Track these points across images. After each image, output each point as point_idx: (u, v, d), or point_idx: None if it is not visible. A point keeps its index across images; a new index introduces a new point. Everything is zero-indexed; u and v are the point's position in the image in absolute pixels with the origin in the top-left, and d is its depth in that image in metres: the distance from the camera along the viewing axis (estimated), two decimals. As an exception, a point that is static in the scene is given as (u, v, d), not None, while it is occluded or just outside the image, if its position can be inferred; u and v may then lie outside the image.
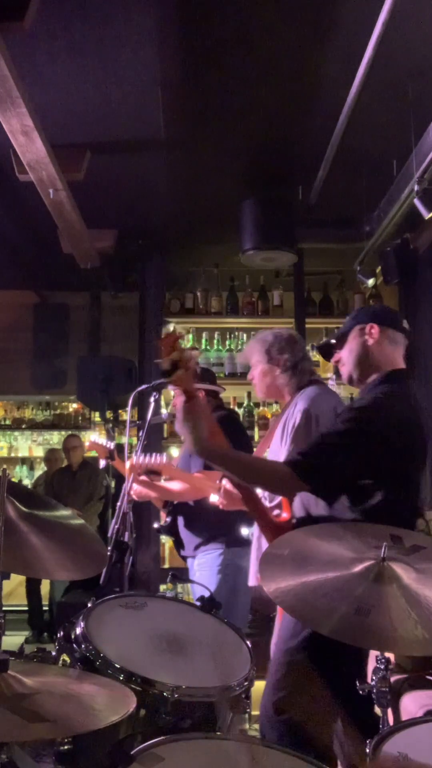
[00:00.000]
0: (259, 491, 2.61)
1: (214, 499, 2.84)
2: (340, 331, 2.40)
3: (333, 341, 2.41)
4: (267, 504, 2.61)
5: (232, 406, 5.17)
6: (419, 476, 2.22)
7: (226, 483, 2.76)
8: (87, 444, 3.94)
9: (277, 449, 2.76)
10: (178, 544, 3.52)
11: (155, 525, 3.65)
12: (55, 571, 1.83)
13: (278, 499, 2.57)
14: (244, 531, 3.21)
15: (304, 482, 2.05)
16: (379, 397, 2.18)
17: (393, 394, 2.20)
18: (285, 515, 2.42)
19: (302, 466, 2.06)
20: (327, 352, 2.46)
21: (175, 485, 3.41)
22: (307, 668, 2.02)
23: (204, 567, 3.35)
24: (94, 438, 3.58)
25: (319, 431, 2.28)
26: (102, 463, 3.49)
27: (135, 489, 3.19)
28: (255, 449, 3.29)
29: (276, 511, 2.53)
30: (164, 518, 3.60)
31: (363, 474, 2.09)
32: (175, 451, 5.07)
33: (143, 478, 3.17)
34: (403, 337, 2.38)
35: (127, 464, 3.11)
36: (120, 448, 3.51)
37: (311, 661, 2.02)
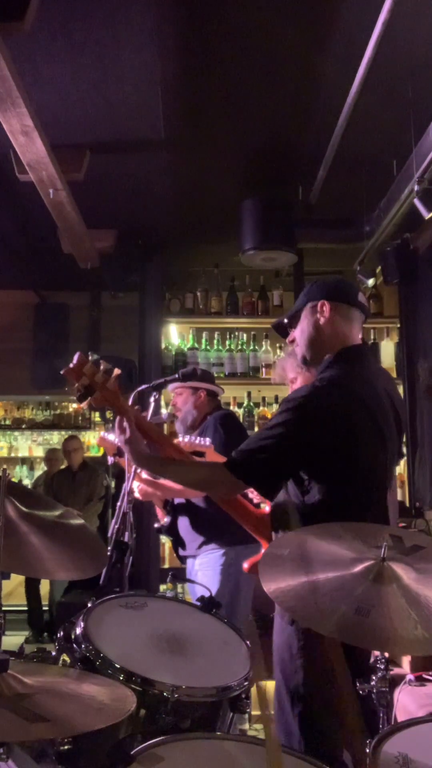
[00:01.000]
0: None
1: None
2: (293, 309, 2.27)
3: (285, 320, 2.29)
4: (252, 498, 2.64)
5: (232, 406, 5.18)
6: (375, 463, 2.07)
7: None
8: (96, 440, 3.92)
9: None
10: (178, 544, 3.52)
11: (155, 525, 3.65)
12: (55, 571, 1.83)
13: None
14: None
15: (239, 480, 2.01)
16: (316, 385, 2.06)
17: (334, 379, 2.06)
18: (267, 509, 2.44)
19: (236, 465, 2.02)
20: (282, 331, 2.33)
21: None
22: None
23: (206, 567, 3.35)
24: (104, 434, 3.58)
25: None
26: (110, 459, 3.49)
27: (139, 488, 3.19)
28: None
29: (261, 505, 2.56)
30: (163, 518, 3.59)
31: (299, 465, 2.02)
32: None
33: (146, 476, 3.17)
34: (359, 313, 2.21)
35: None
36: (120, 451, 3.50)
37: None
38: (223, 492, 2.23)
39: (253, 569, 2.47)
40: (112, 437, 3.51)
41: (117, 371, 2.31)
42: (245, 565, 2.62)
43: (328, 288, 2.22)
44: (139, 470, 3.07)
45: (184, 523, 3.47)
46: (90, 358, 2.27)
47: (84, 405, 2.28)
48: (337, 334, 2.16)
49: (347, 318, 2.18)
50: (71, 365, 2.24)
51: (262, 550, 2.36)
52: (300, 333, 2.22)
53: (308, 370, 2.84)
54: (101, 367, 2.27)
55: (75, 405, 7.82)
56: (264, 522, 2.35)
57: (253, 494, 2.68)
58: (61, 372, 2.26)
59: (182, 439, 3.20)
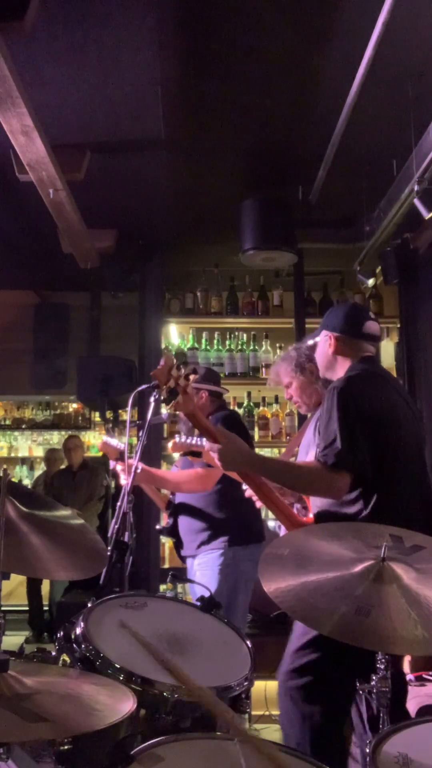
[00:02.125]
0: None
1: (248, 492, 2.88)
2: (317, 331, 2.60)
3: (309, 342, 2.67)
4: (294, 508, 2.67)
5: (232, 407, 5.18)
6: (415, 438, 2.38)
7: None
8: (99, 444, 3.93)
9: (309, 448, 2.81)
10: (179, 545, 3.53)
11: (157, 527, 3.66)
12: (55, 571, 1.83)
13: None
14: (271, 524, 3.28)
15: (342, 471, 2.16)
16: (349, 375, 2.36)
17: (363, 369, 2.39)
18: (311, 515, 2.46)
19: (337, 459, 2.16)
20: (313, 347, 2.67)
21: (171, 474, 3.42)
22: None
23: (205, 567, 3.36)
24: (107, 438, 3.57)
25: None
26: (112, 464, 3.49)
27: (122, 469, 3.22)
28: (284, 450, 3.33)
29: (302, 512, 2.58)
30: (166, 519, 3.60)
31: (369, 439, 2.22)
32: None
33: (143, 466, 3.18)
34: (365, 343, 2.52)
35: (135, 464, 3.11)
36: (122, 455, 3.51)
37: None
38: (330, 491, 2.25)
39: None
40: (115, 442, 3.52)
41: (193, 376, 2.30)
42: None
43: (337, 320, 2.53)
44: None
45: (184, 524, 3.48)
46: (175, 360, 2.28)
47: (169, 408, 2.28)
48: (346, 360, 2.48)
49: (354, 348, 2.50)
50: (160, 366, 2.24)
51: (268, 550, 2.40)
52: (317, 356, 2.58)
53: (302, 374, 2.97)
54: (182, 371, 2.27)
55: (75, 405, 7.82)
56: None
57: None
58: (151, 374, 2.25)
59: (178, 440, 3.21)
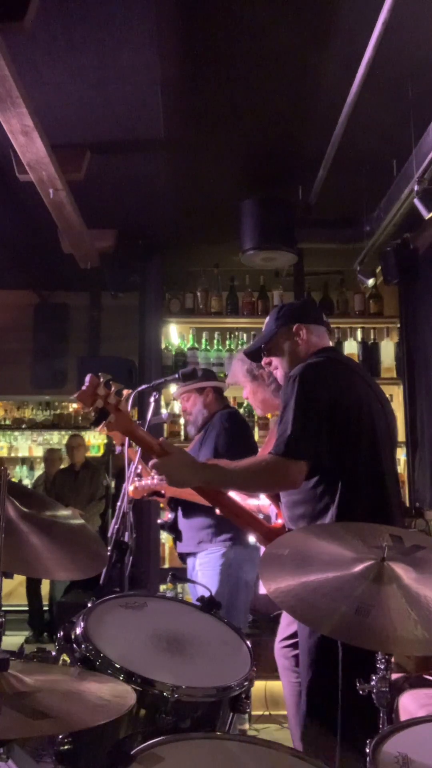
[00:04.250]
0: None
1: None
2: (265, 334, 2.50)
3: (262, 346, 2.51)
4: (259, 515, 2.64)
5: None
6: (379, 424, 2.28)
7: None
8: (89, 441, 3.93)
9: None
10: (178, 540, 3.53)
11: (159, 521, 3.67)
12: (55, 571, 1.83)
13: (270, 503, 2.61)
14: (251, 539, 3.26)
15: (297, 459, 2.10)
16: (308, 363, 2.30)
17: (322, 356, 2.35)
18: (279, 521, 2.44)
19: (287, 446, 2.10)
20: (256, 356, 2.57)
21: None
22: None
23: (206, 567, 3.36)
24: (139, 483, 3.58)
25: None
26: (118, 449, 3.49)
27: (135, 488, 3.20)
28: (259, 451, 3.32)
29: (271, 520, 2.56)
30: (167, 515, 3.61)
31: (327, 425, 2.16)
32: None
33: (146, 482, 3.19)
34: (325, 329, 2.51)
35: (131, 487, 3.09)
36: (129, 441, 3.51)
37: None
38: (285, 480, 2.17)
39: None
40: (144, 482, 3.52)
41: (127, 391, 2.24)
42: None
43: (298, 312, 2.50)
44: (140, 469, 3.07)
45: (186, 520, 3.48)
46: (101, 379, 2.19)
47: (99, 429, 2.20)
48: (310, 348, 2.43)
49: (318, 334, 2.47)
50: (84, 387, 2.17)
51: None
52: (280, 357, 2.47)
53: (253, 380, 2.96)
54: (112, 389, 2.20)
55: (75, 405, 7.83)
56: (276, 535, 2.35)
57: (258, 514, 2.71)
58: (74, 397, 2.19)
59: (138, 484, 3.15)
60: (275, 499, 2.57)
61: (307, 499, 2.22)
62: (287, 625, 2.43)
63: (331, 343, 2.48)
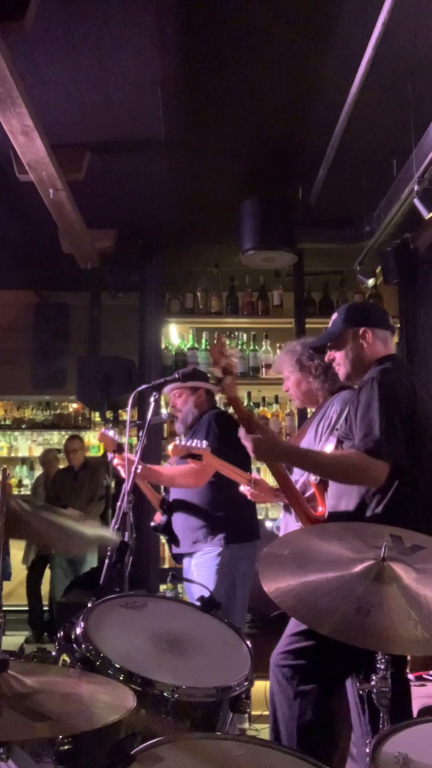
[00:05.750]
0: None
1: (244, 489, 2.89)
2: (333, 331, 2.56)
3: (328, 344, 2.58)
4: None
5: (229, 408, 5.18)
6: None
7: (256, 474, 2.97)
8: (97, 436, 3.95)
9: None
10: (172, 542, 3.52)
11: (152, 524, 3.66)
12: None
13: (311, 491, 2.62)
14: (268, 524, 3.28)
15: (381, 459, 2.17)
16: (382, 367, 2.37)
17: (392, 364, 2.42)
18: (321, 509, 2.47)
19: (376, 446, 2.17)
20: (321, 350, 2.64)
21: (167, 469, 3.42)
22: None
23: (202, 567, 3.36)
24: (105, 430, 3.58)
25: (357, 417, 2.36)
26: (110, 455, 3.50)
27: (118, 463, 3.24)
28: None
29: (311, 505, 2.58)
30: (159, 517, 3.60)
31: (407, 425, 2.24)
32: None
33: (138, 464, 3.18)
34: (390, 333, 2.57)
35: (132, 464, 3.11)
36: (120, 447, 3.52)
37: None
38: (368, 479, 2.24)
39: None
40: (112, 433, 3.53)
41: (237, 360, 2.46)
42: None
43: (367, 316, 2.55)
44: (140, 469, 3.07)
45: (179, 521, 3.48)
46: (226, 342, 2.39)
47: (218, 388, 2.43)
48: (375, 354, 2.49)
49: (383, 339, 2.52)
50: (215, 346, 2.36)
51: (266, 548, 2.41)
52: (344, 356, 2.53)
53: (301, 370, 3.00)
54: (230, 353, 2.38)
55: (75, 405, 7.82)
56: (318, 521, 2.44)
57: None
58: (210, 349, 2.40)
59: (179, 442, 3.21)
60: (323, 487, 2.61)
61: (359, 493, 2.29)
62: (289, 637, 2.40)
63: (393, 350, 2.56)
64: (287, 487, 2.53)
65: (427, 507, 2.24)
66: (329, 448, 2.66)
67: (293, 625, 2.34)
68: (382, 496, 2.24)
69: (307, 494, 2.65)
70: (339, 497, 2.40)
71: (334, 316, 2.61)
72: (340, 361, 2.54)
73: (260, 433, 2.36)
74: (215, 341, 2.39)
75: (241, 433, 2.37)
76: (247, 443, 2.34)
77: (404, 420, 2.24)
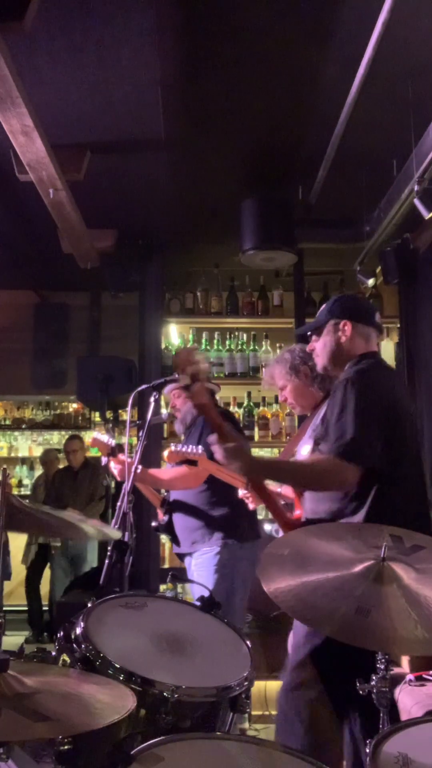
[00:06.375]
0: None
1: (242, 494, 2.89)
2: (316, 321, 2.52)
3: (309, 333, 2.55)
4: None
5: (232, 406, 5.18)
6: (416, 437, 2.37)
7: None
8: (89, 441, 3.95)
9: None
10: (174, 541, 3.54)
11: (153, 524, 3.67)
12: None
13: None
14: (267, 527, 3.28)
15: (354, 463, 2.13)
16: (359, 368, 2.32)
17: (371, 364, 2.36)
18: (297, 512, 2.46)
19: (347, 450, 2.13)
20: (304, 338, 2.62)
21: (164, 473, 3.42)
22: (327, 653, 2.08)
23: (201, 567, 3.36)
24: (97, 435, 3.59)
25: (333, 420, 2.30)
26: (104, 460, 3.50)
27: (119, 469, 3.23)
28: (283, 450, 3.34)
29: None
30: (161, 517, 3.61)
31: (385, 429, 2.20)
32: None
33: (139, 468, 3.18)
34: (375, 332, 2.51)
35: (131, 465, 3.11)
36: (120, 448, 3.52)
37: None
38: (339, 483, 2.20)
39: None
40: (105, 438, 3.53)
41: (207, 367, 2.38)
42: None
43: (350, 309, 2.49)
44: (140, 469, 3.07)
45: (179, 521, 3.48)
46: (194, 349, 2.35)
47: (187, 395, 2.39)
48: (355, 348, 2.43)
49: (365, 336, 2.46)
50: (181, 352, 2.31)
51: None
52: (322, 346, 2.48)
53: (297, 377, 2.96)
54: (200, 360, 2.33)
55: (75, 405, 7.82)
56: (296, 527, 2.39)
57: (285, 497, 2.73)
58: (175, 355, 2.35)
59: (174, 448, 3.21)
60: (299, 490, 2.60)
61: (337, 497, 2.24)
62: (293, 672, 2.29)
63: (376, 348, 2.51)
64: (260, 491, 2.47)
65: (408, 511, 2.18)
66: (306, 449, 2.65)
67: (293, 658, 2.27)
68: (360, 502, 2.19)
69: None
70: (317, 501, 2.34)
71: (324, 305, 2.58)
72: (318, 351, 2.51)
73: (232, 442, 2.29)
74: (185, 347, 2.36)
75: (212, 439, 2.33)
76: (218, 452, 2.28)
77: (380, 422, 2.19)
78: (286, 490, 2.84)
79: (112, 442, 3.49)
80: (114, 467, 3.35)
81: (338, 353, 2.44)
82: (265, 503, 2.50)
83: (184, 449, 3.18)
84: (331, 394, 2.36)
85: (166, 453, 3.21)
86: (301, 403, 3.03)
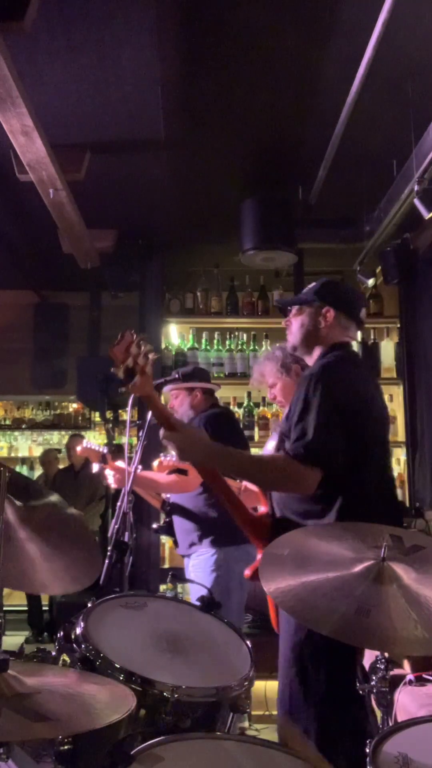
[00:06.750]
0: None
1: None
2: (301, 298, 2.40)
3: (289, 308, 2.42)
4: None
5: (232, 406, 5.18)
6: (385, 434, 2.26)
7: (247, 483, 2.81)
8: (79, 450, 3.91)
9: None
10: (175, 543, 3.55)
11: (153, 525, 3.67)
12: (51, 584, 1.81)
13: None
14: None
15: (314, 465, 2.02)
16: (325, 362, 2.22)
17: (339, 357, 2.25)
18: (262, 509, 2.41)
19: (306, 452, 2.03)
20: (284, 309, 2.49)
21: (162, 477, 3.43)
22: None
23: (197, 568, 3.37)
24: (86, 443, 3.59)
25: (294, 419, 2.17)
26: (95, 467, 3.49)
27: (115, 477, 3.21)
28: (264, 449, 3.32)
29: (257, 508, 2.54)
30: (164, 519, 3.61)
31: (345, 431, 2.08)
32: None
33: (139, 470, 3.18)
34: (356, 327, 2.39)
35: (126, 466, 3.10)
36: (119, 448, 3.52)
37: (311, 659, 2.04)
38: (297, 486, 2.10)
39: (255, 576, 2.40)
40: (95, 445, 3.53)
41: (153, 356, 2.13)
42: (247, 572, 2.45)
43: (339, 297, 2.37)
44: (140, 469, 3.06)
45: (178, 523, 3.49)
46: (134, 337, 2.11)
47: (124, 390, 2.15)
48: (331, 336, 2.32)
49: (344, 327, 2.36)
50: (117, 343, 2.10)
51: (258, 555, 2.34)
52: (299, 326, 2.36)
53: (288, 375, 2.88)
54: (143, 347, 2.12)
55: (75, 405, 7.82)
56: (262, 524, 2.31)
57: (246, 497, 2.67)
58: (110, 349, 2.10)
59: (164, 458, 3.19)
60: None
61: (303, 497, 2.14)
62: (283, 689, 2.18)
63: (350, 339, 2.39)
64: (215, 482, 2.34)
65: (377, 513, 2.06)
66: (271, 444, 2.59)
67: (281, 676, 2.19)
68: (327, 504, 2.09)
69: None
70: (284, 500, 2.23)
71: (311, 284, 2.45)
72: (293, 329, 2.37)
73: (182, 431, 2.16)
74: (120, 339, 2.10)
75: (162, 434, 2.18)
76: (169, 444, 2.16)
77: (344, 424, 2.08)
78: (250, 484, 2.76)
79: (103, 449, 3.46)
80: (109, 474, 3.32)
81: (313, 338, 2.33)
82: (221, 497, 2.36)
83: (173, 460, 3.16)
84: (296, 388, 2.25)
85: (155, 463, 3.18)
86: (290, 401, 2.99)
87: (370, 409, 2.19)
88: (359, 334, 5.35)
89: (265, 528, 2.26)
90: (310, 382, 2.13)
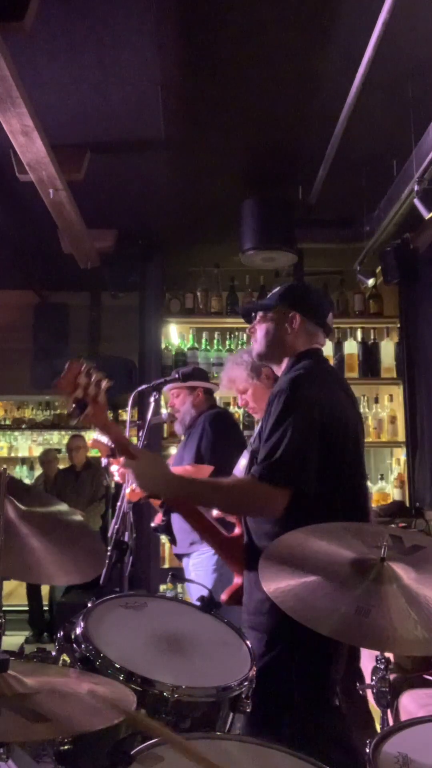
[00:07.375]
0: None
1: None
2: (265, 303, 2.30)
3: (254, 314, 2.31)
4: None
5: (231, 407, 5.18)
6: (359, 445, 2.13)
7: None
8: (90, 442, 3.92)
9: None
10: (173, 542, 3.54)
11: (152, 525, 3.66)
12: (57, 575, 1.81)
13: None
14: None
15: (281, 486, 1.92)
16: (296, 374, 2.09)
17: (308, 367, 2.13)
18: (236, 530, 2.31)
19: (272, 473, 1.93)
20: (247, 316, 2.36)
21: None
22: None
23: (198, 567, 3.37)
24: (97, 436, 3.58)
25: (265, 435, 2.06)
26: (104, 461, 3.49)
27: (119, 471, 3.19)
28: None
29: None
30: (160, 517, 3.61)
31: (320, 448, 1.98)
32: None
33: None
34: (323, 333, 2.28)
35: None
36: (114, 452, 3.51)
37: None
38: (264, 509, 2.00)
39: (231, 600, 2.26)
40: (105, 439, 3.51)
41: (105, 383, 2.05)
42: (223, 596, 2.31)
43: (306, 301, 2.27)
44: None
45: (177, 522, 3.49)
46: (83, 367, 2.03)
47: (75, 422, 2.04)
48: (297, 344, 2.21)
49: (311, 333, 2.24)
50: (63, 375, 2.02)
51: (235, 579, 2.27)
52: (263, 333, 2.25)
53: (259, 379, 2.81)
54: (92, 377, 2.03)
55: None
56: (236, 545, 2.23)
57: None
58: (54, 384, 2.02)
59: (136, 486, 3.14)
60: None
61: (274, 519, 2.01)
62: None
63: (319, 345, 2.28)
64: (182, 509, 2.29)
65: None
66: (242, 463, 2.54)
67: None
68: (298, 525, 1.89)
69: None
70: (256, 521, 2.10)
71: (276, 288, 2.36)
72: (258, 336, 2.26)
73: (141, 459, 2.06)
74: (66, 370, 2.01)
75: (121, 462, 2.09)
76: (128, 473, 2.07)
77: (315, 442, 1.96)
78: None
79: (112, 443, 3.47)
80: (115, 469, 3.34)
81: (278, 345, 2.22)
82: (189, 522, 2.29)
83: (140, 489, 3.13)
84: (266, 406, 2.12)
85: (127, 491, 3.12)
86: (262, 407, 2.86)
87: (346, 424, 2.07)
88: (359, 334, 5.39)
89: (238, 550, 2.18)
90: (280, 397, 2.03)
